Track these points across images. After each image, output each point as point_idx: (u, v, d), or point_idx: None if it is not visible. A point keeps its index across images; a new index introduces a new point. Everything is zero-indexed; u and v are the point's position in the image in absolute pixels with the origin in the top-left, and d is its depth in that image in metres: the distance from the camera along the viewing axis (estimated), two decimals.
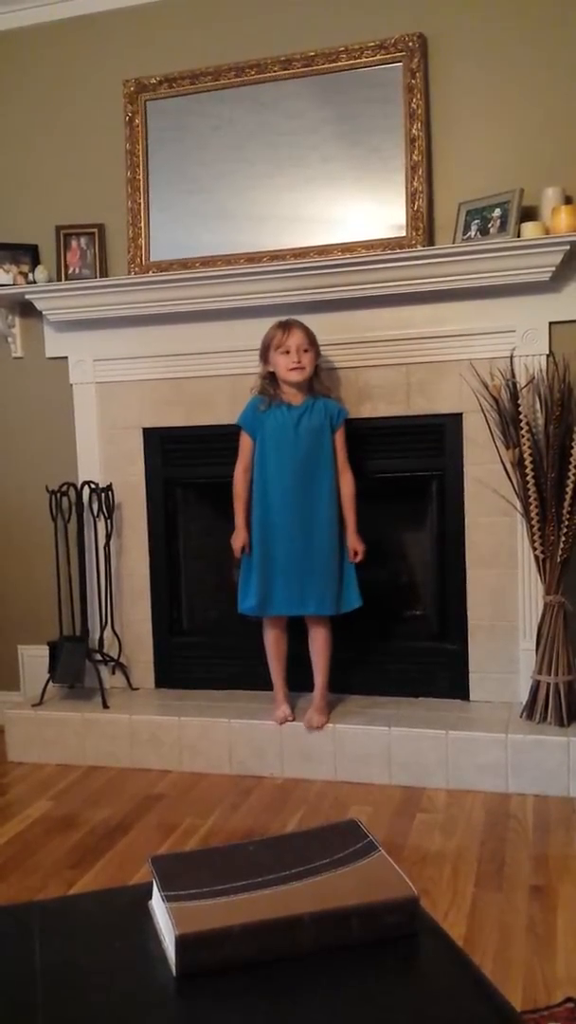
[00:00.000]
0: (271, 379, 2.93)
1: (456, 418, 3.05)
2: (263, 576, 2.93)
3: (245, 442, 2.98)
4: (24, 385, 3.52)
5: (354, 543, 2.93)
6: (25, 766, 3.16)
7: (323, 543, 2.90)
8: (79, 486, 3.32)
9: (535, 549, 2.84)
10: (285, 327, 2.88)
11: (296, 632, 3.04)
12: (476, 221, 2.91)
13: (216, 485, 3.16)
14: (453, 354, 3.01)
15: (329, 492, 2.91)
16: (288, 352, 2.85)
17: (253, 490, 2.97)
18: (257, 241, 3.16)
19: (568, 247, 2.75)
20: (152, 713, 3.14)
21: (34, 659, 3.53)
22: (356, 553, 2.93)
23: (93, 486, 3.34)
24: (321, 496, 2.90)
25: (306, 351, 2.86)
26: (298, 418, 2.90)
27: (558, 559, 2.81)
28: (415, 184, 2.98)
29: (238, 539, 2.98)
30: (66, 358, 3.42)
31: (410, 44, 2.97)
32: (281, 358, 2.86)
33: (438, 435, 3.09)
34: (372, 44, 3.00)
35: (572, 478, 2.75)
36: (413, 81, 2.97)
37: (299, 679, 3.06)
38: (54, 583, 3.36)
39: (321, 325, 3.01)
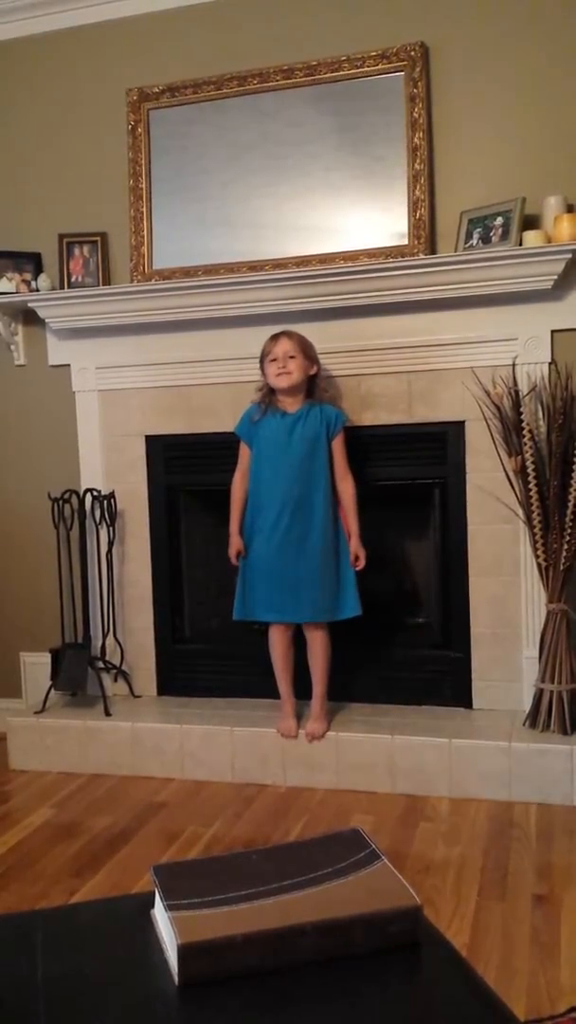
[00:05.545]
0: (268, 389, 2.96)
1: (458, 426, 3.05)
2: (257, 582, 2.95)
3: (243, 450, 3.02)
4: (27, 393, 3.53)
5: (356, 548, 2.92)
6: (27, 774, 3.16)
7: (318, 550, 2.89)
8: (81, 493, 3.32)
9: (538, 557, 2.84)
10: (275, 337, 2.93)
11: (296, 640, 3.03)
12: (478, 230, 2.92)
13: (218, 493, 3.16)
14: (455, 362, 3.01)
15: (324, 499, 2.91)
16: (275, 360, 2.89)
17: (249, 497, 2.99)
18: (259, 249, 3.17)
19: (570, 255, 2.76)
20: (154, 721, 3.14)
21: (36, 666, 3.53)
22: (357, 559, 2.92)
23: (95, 493, 3.34)
24: (316, 503, 2.90)
25: (292, 357, 2.89)
26: (292, 425, 2.92)
27: (561, 567, 2.81)
28: (417, 193, 2.99)
29: (232, 546, 3.00)
30: (69, 366, 3.43)
31: (412, 53, 2.98)
32: (269, 366, 2.91)
33: (440, 443, 3.09)
34: (374, 53, 3.01)
35: (575, 486, 2.75)
36: (415, 90, 2.98)
37: (300, 686, 3.05)
38: (56, 590, 3.36)
39: (323, 333, 3.02)
